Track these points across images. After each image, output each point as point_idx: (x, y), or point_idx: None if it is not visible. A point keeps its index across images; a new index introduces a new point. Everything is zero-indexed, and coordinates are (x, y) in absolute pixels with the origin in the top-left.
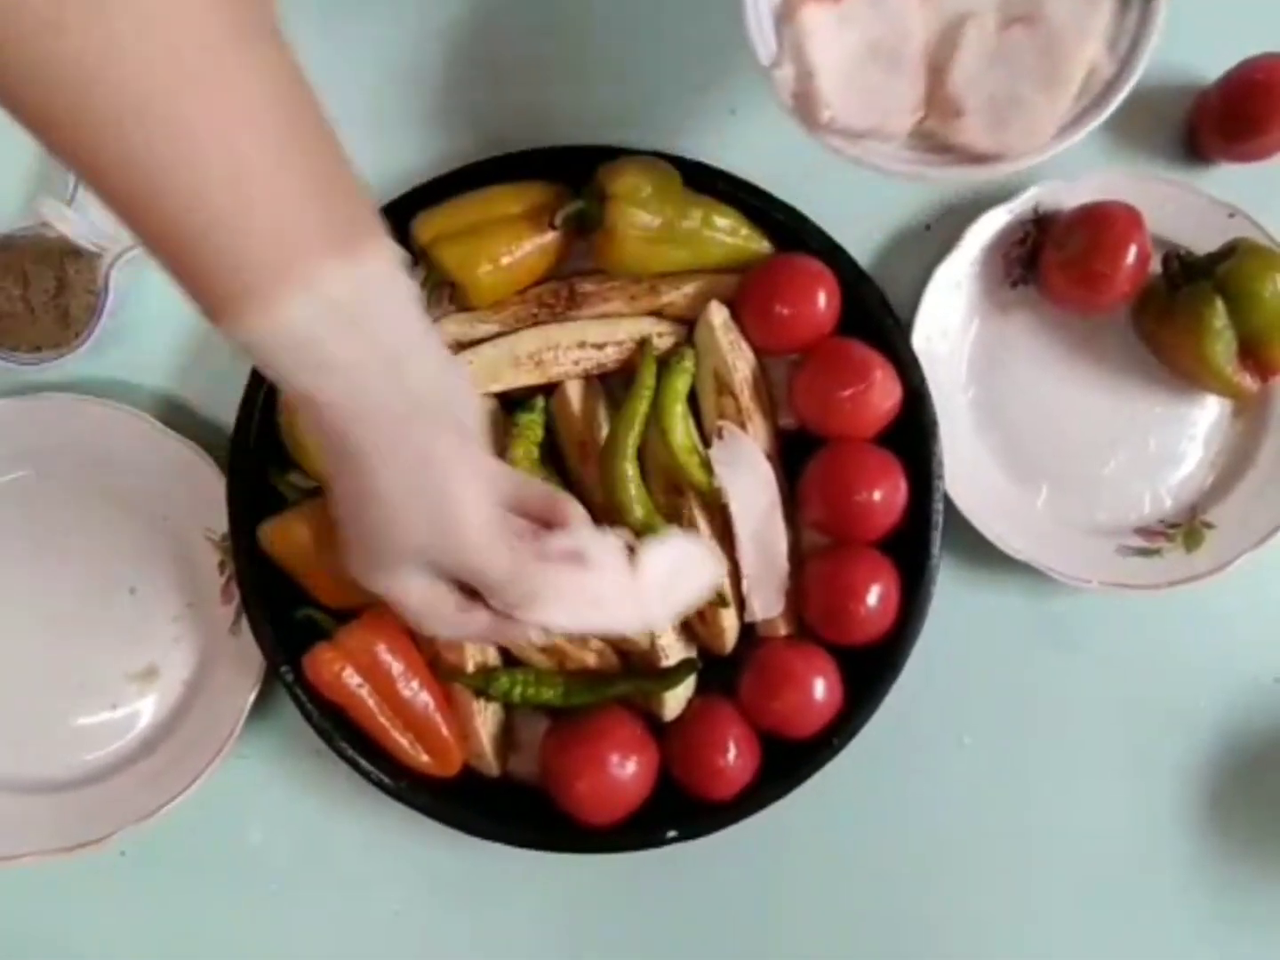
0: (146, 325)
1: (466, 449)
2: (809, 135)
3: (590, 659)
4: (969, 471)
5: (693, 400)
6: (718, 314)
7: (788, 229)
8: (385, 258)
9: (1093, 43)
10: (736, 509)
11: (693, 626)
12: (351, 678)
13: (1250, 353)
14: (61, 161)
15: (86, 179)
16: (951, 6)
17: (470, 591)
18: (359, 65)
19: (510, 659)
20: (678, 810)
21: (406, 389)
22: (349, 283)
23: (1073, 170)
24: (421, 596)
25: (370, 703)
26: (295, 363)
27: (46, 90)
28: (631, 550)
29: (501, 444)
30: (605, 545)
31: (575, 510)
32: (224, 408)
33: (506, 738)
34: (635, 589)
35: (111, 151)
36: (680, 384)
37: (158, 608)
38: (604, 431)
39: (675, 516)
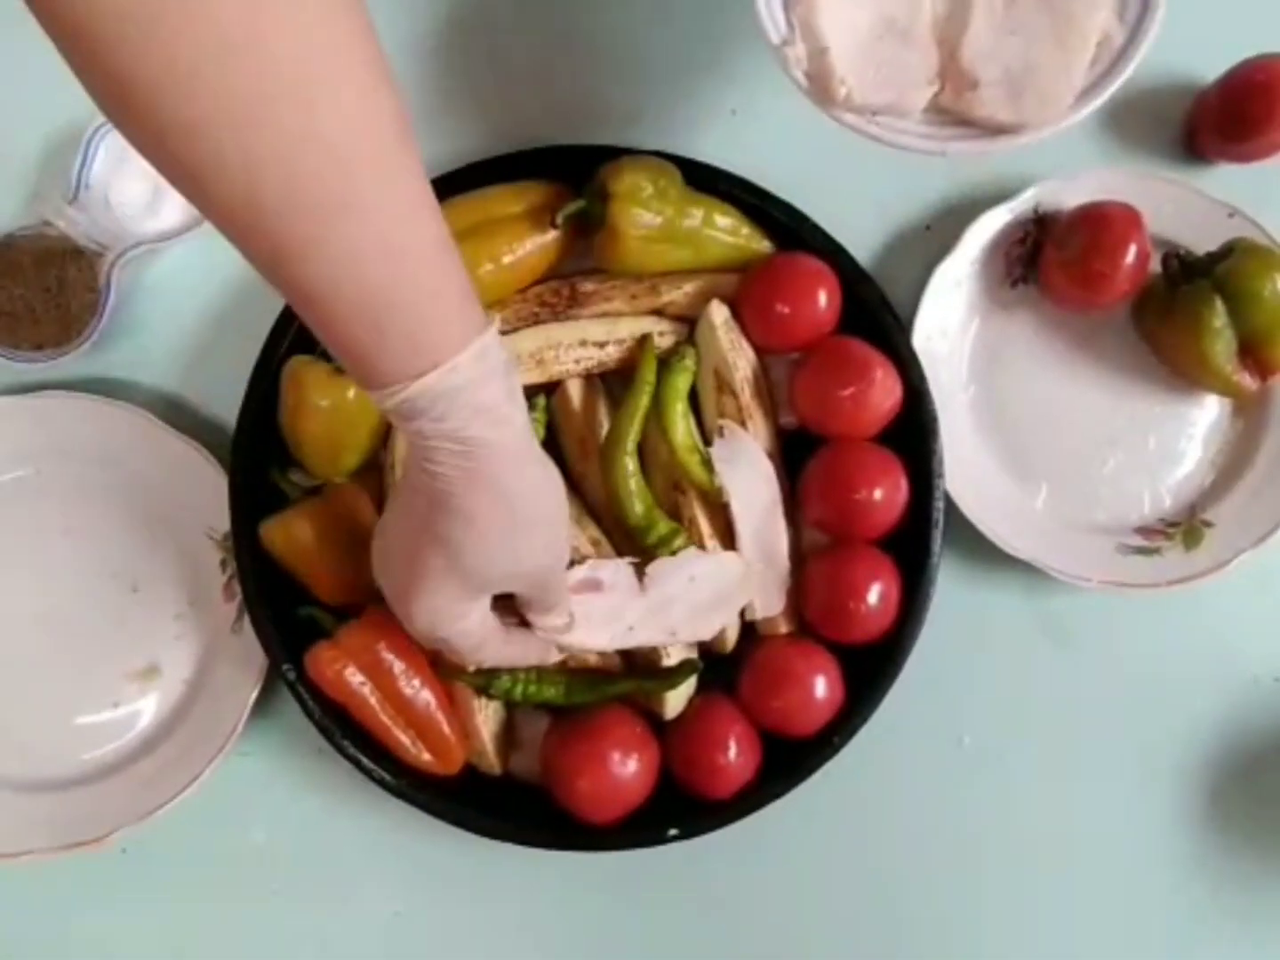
0: (148, 324)
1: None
2: (825, 113)
3: (592, 658)
4: (969, 470)
5: (693, 399)
6: (719, 313)
7: (788, 228)
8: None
9: (1103, 10)
10: (737, 507)
11: None
12: (353, 676)
13: (1250, 352)
14: (246, 254)
15: (262, 265)
16: None
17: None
18: None
19: None
20: (679, 808)
21: (521, 426)
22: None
23: (1072, 169)
24: (484, 624)
25: (372, 701)
26: (451, 411)
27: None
28: (642, 571)
29: None
30: (614, 569)
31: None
32: (225, 406)
33: (508, 736)
34: (651, 605)
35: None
36: (681, 382)
37: (159, 606)
38: (605, 430)
39: (676, 515)
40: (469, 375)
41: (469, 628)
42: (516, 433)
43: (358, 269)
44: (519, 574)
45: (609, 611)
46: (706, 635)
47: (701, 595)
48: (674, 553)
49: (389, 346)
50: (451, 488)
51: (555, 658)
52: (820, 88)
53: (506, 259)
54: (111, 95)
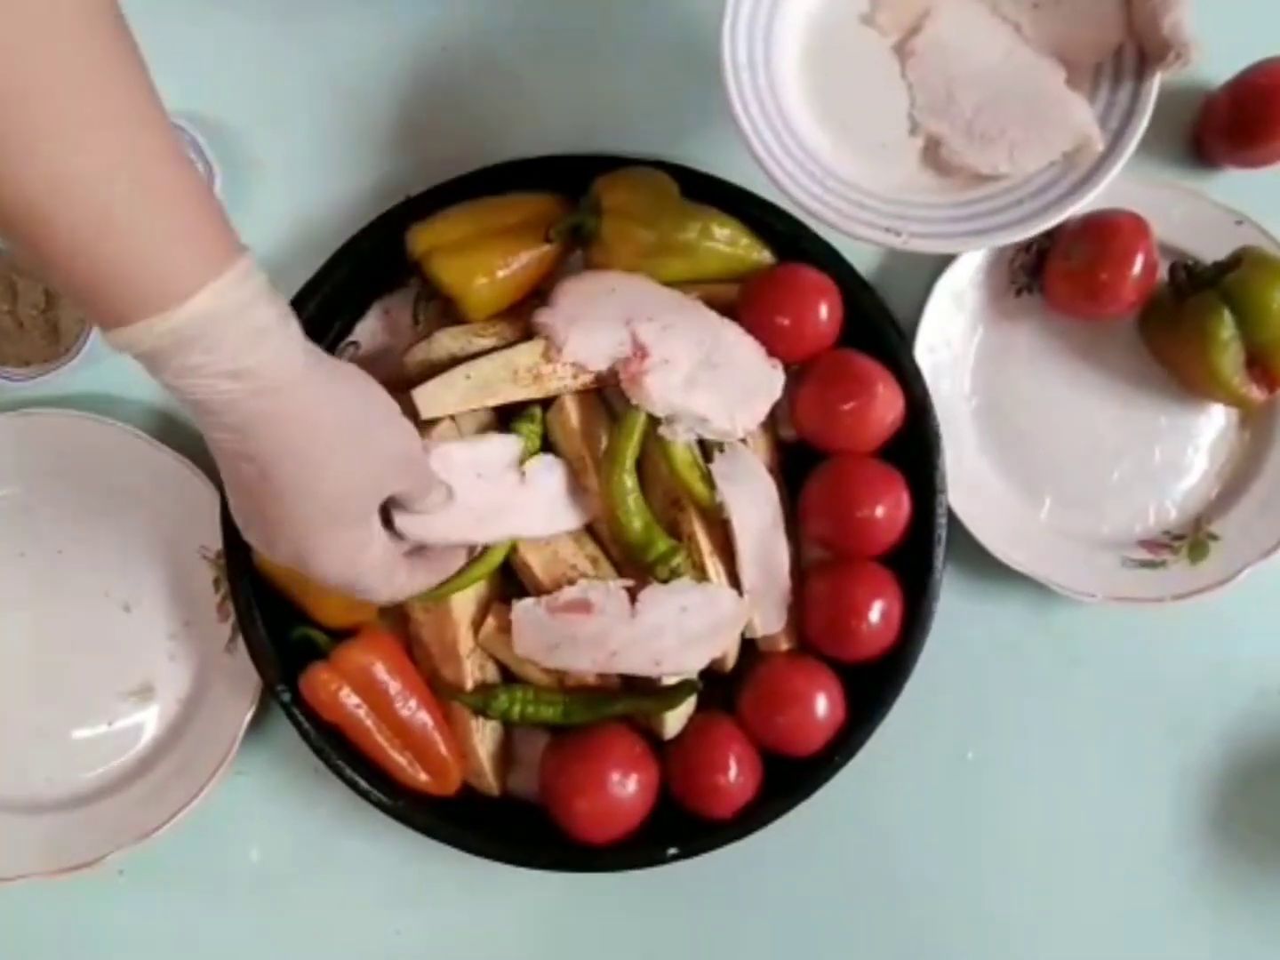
0: None
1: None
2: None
3: (590, 677)
4: (972, 483)
5: None
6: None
7: (788, 238)
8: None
9: (1080, 111)
10: (737, 523)
11: None
12: (349, 697)
13: (1257, 363)
14: None
15: None
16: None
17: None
18: (354, 75)
19: (510, 677)
20: (678, 828)
21: (301, 343)
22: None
23: None
24: (388, 550)
25: (368, 722)
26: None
27: None
28: (634, 596)
29: None
30: (605, 592)
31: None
32: None
33: (505, 756)
34: (639, 632)
35: None
36: None
37: (153, 625)
38: (603, 445)
39: (675, 531)
40: (238, 296)
41: (376, 557)
42: (300, 349)
43: (75, 187)
44: (382, 473)
45: (595, 634)
46: (693, 667)
47: (692, 626)
48: (673, 570)
49: (141, 274)
50: (259, 435)
51: (461, 561)
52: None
53: (501, 272)
54: None
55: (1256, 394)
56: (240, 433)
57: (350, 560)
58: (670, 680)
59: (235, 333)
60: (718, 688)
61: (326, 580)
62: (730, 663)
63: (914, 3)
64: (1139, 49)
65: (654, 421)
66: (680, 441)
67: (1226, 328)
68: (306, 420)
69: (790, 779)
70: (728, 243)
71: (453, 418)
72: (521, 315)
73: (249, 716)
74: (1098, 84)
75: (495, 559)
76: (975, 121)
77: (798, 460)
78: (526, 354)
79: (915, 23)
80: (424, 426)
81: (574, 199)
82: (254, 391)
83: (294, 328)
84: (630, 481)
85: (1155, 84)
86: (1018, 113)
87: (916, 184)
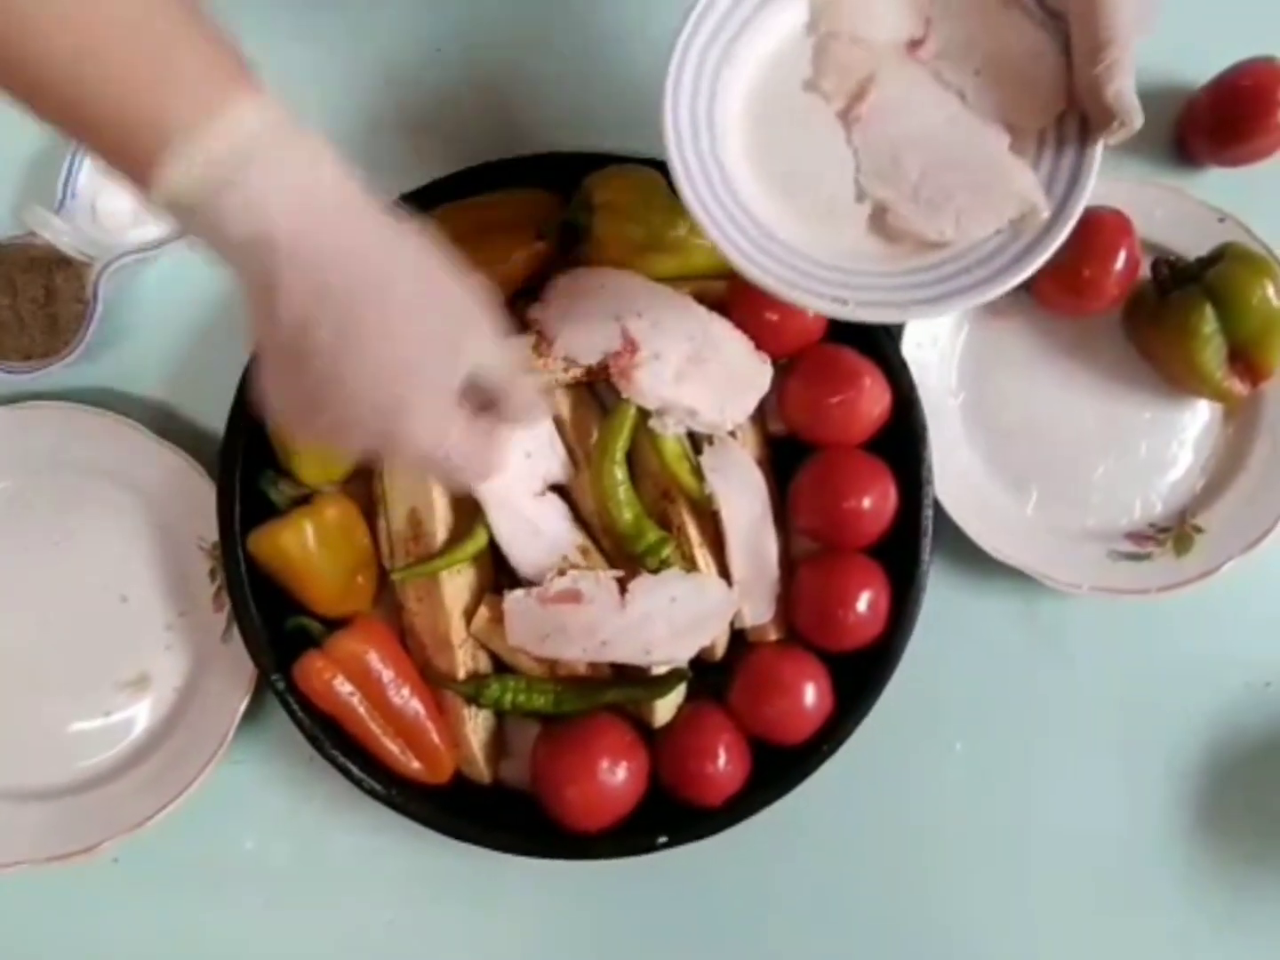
0: (136, 334)
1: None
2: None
3: (581, 667)
4: (959, 477)
5: None
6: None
7: None
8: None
9: (1024, 178)
10: (727, 515)
11: None
12: (342, 686)
13: (1240, 357)
14: None
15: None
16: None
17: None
18: (348, 73)
19: (502, 666)
20: (668, 816)
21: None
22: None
23: None
24: (467, 418)
25: (361, 710)
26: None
27: None
28: (624, 587)
29: None
30: (595, 582)
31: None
32: (214, 415)
33: (497, 744)
34: (628, 621)
35: None
36: None
37: (149, 616)
38: (594, 437)
39: (665, 523)
40: (280, 113)
41: (462, 429)
42: (356, 179)
43: (108, 30)
44: (464, 323)
45: (585, 624)
46: (682, 657)
47: (681, 616)
48: (663, 560)
49: (184, 95)
50: (334, 277)
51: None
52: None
53: (495, 268)
54: None
55: (1239, 388)
56: (314, 279)
57: (440, 429)
58: (660, 670)
59: (291, 149)
60: (707, 677)
61: (416, 450)
62: (720, 652)
63: (857, 69)
64: (1081, 115)
65: (644, 414)
66: (670, 434)
67: (1208, 323)
68: (384, 256)
69: (779, 768)
70: None
71: None
72: (513, 311)
73: (244, 706)
74: (1042, 150)
75: (481, 540)
76: (921, 187)
77: (786, 453)
78: (518, 349)
79: (859, 89)
80: None
81: (565, 196)
82: (322, 221)
83: (341, 159)
84: (621, 473)
85: (1099, 150)
86: (963, 179)
87: (863, 251)
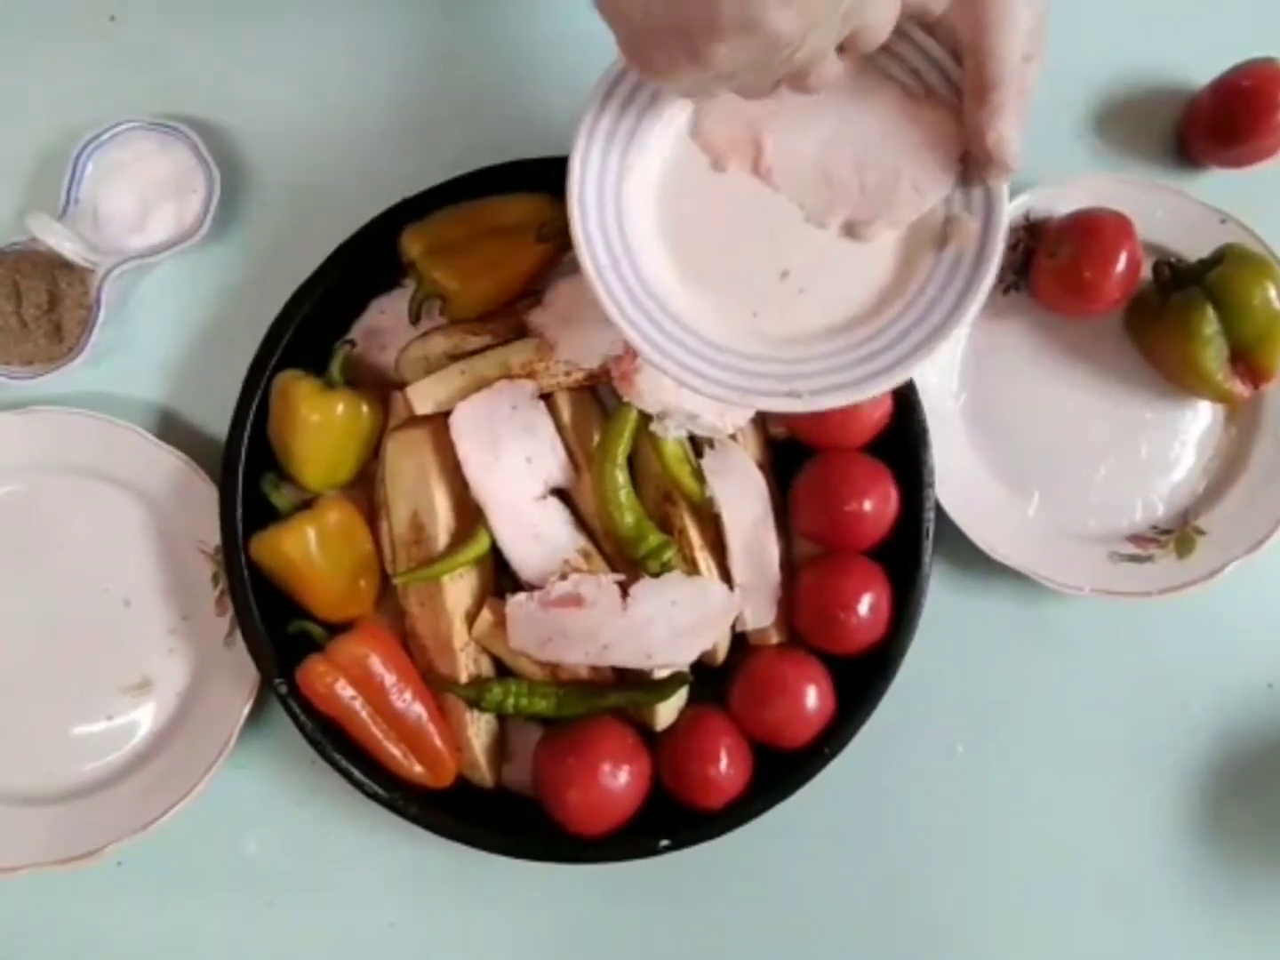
0: (138, 339)
1: None
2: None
3: (583, 670)
4: (960, 478)
5: None
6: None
7: None
8: None
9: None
10: (728, 518)
11: None
12: (344, 690)
13: (1241, 358)
14: None
15: None
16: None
17: None
18: (350, 78)
19: (504, 670)
20: (670, 819)
21: None
22: None
23: (1063, 176)
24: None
25: (363, 714)
26: None
27: None
28: (626, 590)
29: None
30: (597, 585)
31: None
32: (216, 420)
33: (500, 748)
34: (630, 625)
35: None
36: None
37: (152, 620)
38: (595, 441)
39: (666, 526)
40: None
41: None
42: None
43: None
44: None
45: (587, 628)
46: (684, 660)
47: (682, 619)
48: (664, 564)
49: None
50: None
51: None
52: None
53: (495, 272)
54: None
55: (1240, 389)
56: None
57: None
58: (662, 673)
59: None
60: (709, 680)
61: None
62: (721, 656)
63: (743, 129)
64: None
65: (645, 418)
66: (671, 437)
67: (1210, 324)
68: None
69: (781, 771)
70: None
71: None
72: (515, 315)
73: (247, 710)
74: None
75: (482, 544)
76: (865, 177)
77: (787, 456)
78: (520, 352)
79: (755, 142)
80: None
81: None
82: None
83: None
84: (622, 477)
85: (1005, 189)
86: (896, 148)
87: (804, 333)
